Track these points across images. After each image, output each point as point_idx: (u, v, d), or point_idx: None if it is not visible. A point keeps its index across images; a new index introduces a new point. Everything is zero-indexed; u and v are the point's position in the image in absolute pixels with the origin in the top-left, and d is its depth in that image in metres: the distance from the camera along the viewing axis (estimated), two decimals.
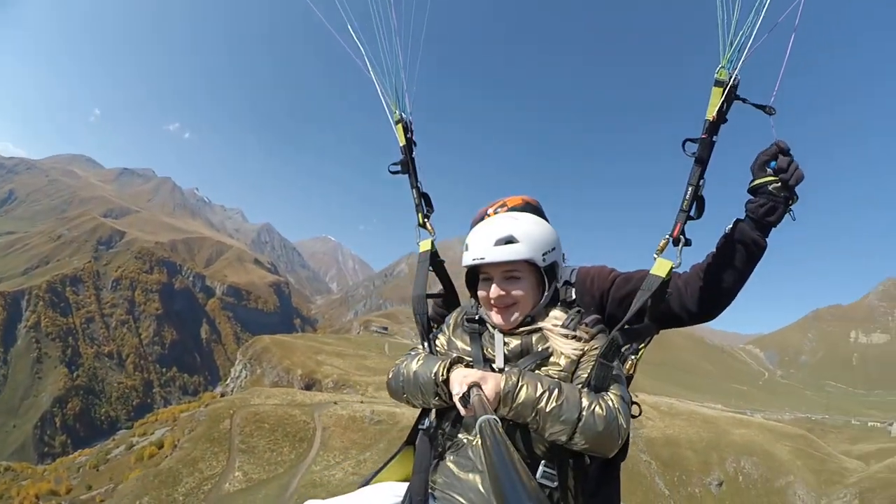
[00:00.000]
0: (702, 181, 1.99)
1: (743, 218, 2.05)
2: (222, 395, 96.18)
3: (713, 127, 1.96)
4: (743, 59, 1.93)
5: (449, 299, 2.94)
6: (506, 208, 2.54)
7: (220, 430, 54.82)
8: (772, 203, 1.95)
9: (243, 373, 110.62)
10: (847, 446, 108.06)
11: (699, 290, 2.14)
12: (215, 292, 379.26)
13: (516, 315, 2.21)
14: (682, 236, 2.01)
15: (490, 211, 2.57)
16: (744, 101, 1.97)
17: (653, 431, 69.29)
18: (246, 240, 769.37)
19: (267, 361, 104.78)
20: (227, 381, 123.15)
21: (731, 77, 1.93)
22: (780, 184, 1.94)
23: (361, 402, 70.22)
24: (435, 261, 2.83)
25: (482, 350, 2.25)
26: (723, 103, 1.95)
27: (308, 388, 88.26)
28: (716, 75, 1.95)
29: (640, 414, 2.26)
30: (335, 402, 65.64)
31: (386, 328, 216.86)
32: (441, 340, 2.49)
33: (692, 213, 2.03)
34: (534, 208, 2.54)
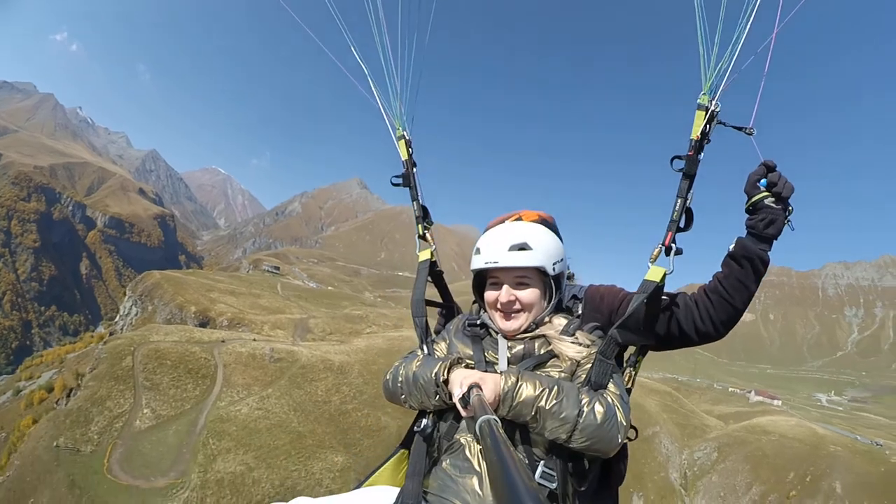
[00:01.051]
0: (689, 194, 2.17)
1: (744, 235, 2.14)
2: (111, 334, 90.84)
3: (698, 146, 2.17)
4: (722, 88, 2.16)
5: (447, 310, 3.03)
6: (521, 223, 2.52)
7: (122, 368, 52.93)
8: (771, 216, 2.05)
9: (133, 310, 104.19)
10: (709, 406, 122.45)
11: (711, 310, 2.21)
12: (96, 223, 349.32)
13: (522, 320, 2.28)
14: (673, 245, 2.17)
15: (507, 221, 2.54)
16: (724, 124, 2.19)
17: None
18: (130, 167, 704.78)
19: (159, 298, 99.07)
20: (117, 319, 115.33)
21: (711, 103, 2.16)
22: (774, 198, 2.08)
23: (255, 340, 69.90)
24: (434, 270, 2.95)
25: (484, 353, 2.29)
26: (705, 125, 2.16)
27: (203, 325, 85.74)
28: (698, 100, 2.19)
29: (636, 437, 2.31)
30: (222, 340, 65.18)
31: (277, 268, 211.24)
32: (441, 346, 2.53)
33: (681, 224, 2.19)
34: (549, 224, 2.50)
